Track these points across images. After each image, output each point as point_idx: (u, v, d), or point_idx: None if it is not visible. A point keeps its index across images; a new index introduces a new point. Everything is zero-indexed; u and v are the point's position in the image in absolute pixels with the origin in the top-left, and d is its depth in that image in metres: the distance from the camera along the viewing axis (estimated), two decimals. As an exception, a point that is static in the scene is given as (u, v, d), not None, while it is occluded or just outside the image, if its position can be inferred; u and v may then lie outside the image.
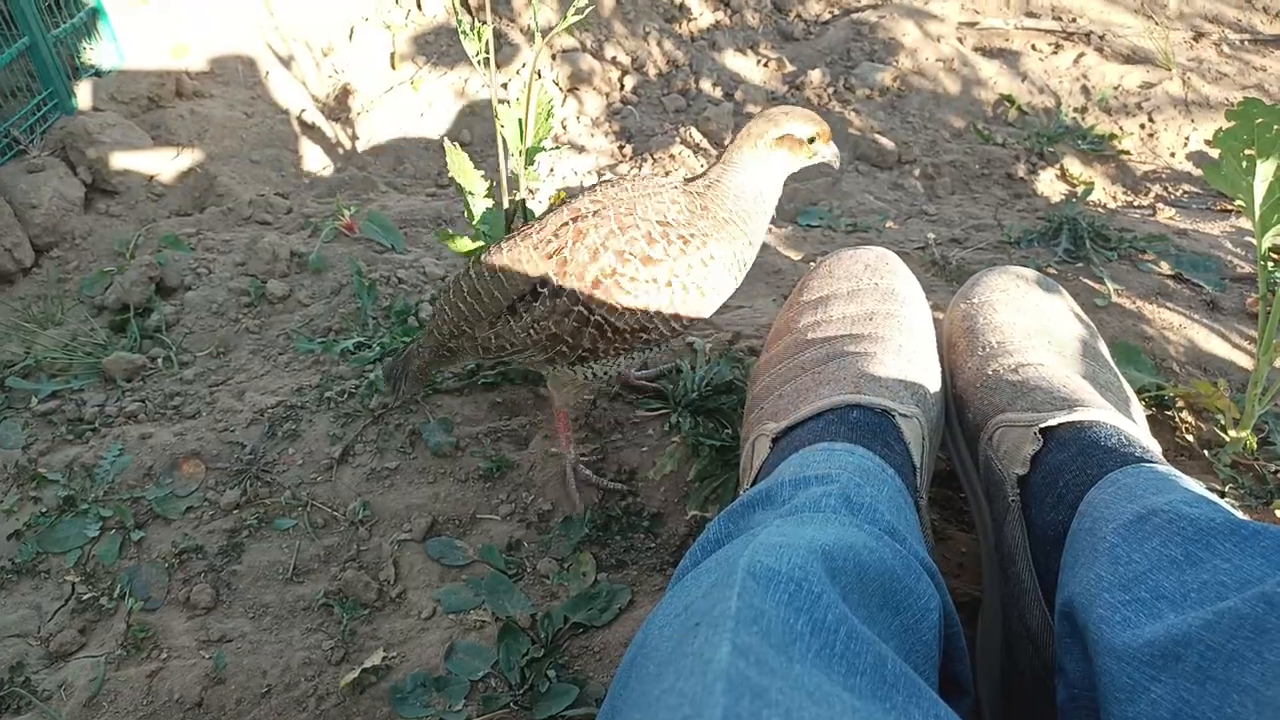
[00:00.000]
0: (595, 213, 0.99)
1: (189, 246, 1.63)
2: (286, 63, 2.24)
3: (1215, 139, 0.98)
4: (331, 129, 2.16)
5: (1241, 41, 2.30)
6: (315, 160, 2.09)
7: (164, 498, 1.17)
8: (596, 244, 0.98)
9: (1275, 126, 0.96)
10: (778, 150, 1.01)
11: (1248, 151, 0.98)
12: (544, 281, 0.99)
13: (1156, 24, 2.34)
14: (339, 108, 2.22)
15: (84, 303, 1.55)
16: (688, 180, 1.04)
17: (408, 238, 1.71)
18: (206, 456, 1.21)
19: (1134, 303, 1.38)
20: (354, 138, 2.14)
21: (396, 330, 1.41)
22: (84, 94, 1.93)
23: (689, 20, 2.44)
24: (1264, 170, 0.97)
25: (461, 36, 0.99)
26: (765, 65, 2.35)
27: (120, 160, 1.84)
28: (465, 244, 1.10)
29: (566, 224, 1.00)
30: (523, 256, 1.01)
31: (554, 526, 1.13)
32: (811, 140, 1.02)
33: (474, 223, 1.19)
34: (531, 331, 1.01)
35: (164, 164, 1.89)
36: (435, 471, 1.19)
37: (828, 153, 1.04)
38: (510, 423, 1.25)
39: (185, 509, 1.17)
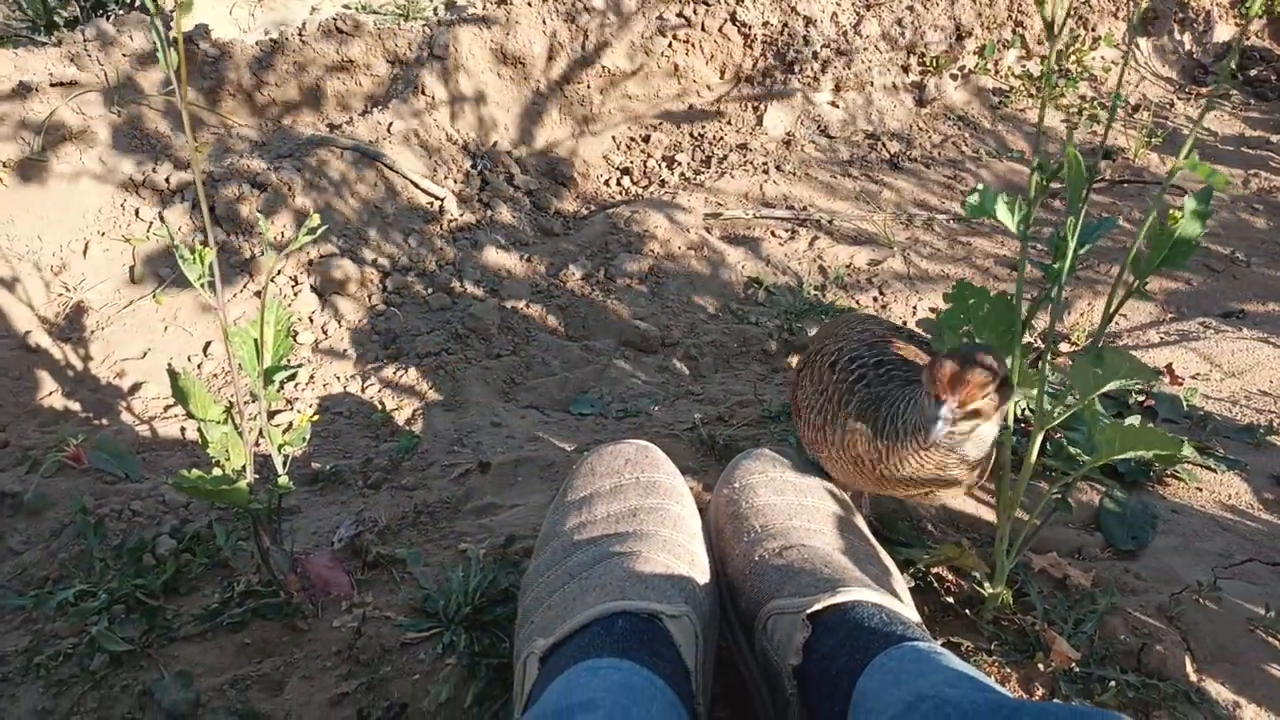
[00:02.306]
0: (838, 342, 1.25)
1: None
2: (10, 285, 2.06)
3: (938, 318, 1.07)
4: (61, 350, 1.98)
5: (947, 221, 2.60)
6: (41, 386, 1.90)
7: None
8: (816, 363, 1.23)
9: (985, 305, 1.06)
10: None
11: (966, 328, 1.07)
12: (813, 353, 1.27)
13: (874, 210, 2.61)
14: (71, 327, 2.05)
15: None
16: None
17: (145, 464, 1.56)
18: None
19: (887, 467, 1.44)
20: (87, 358, 1.98)
21: (128, 572, 1.25)
22: None
23: (449, 220, 2.48)
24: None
25: (181, 262, 0.93)
26: (528, 260, 2.41)
27: None
28: (196, 475, 1.01)
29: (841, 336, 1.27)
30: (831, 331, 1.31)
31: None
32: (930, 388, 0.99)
33: (209, 449, 1.09)
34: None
35: None
36: (169, 739, 1.03)
37: (927, 406, 0.98)
38: (261, 666, 1.12)
39: None
